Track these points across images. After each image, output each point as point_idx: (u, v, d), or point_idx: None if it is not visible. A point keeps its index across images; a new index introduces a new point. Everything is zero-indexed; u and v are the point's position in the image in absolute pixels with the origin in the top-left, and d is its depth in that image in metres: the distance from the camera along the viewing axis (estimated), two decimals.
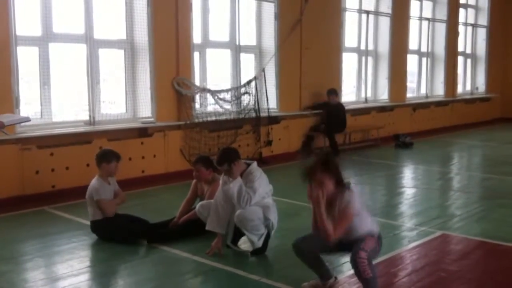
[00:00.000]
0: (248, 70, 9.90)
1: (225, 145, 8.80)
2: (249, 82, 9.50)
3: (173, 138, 8.47)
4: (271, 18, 10.03)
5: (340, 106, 10.74)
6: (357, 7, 12.16)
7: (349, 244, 3.83)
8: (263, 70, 9.82)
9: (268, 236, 4.96)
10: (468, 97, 16.16)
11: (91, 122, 7.70)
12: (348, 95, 12.26)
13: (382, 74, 12.86)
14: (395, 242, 5.35)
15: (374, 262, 3.90)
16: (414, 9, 13.67)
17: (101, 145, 7.40)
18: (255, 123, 9.59)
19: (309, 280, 4.19)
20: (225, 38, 9.53)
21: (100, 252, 5.16)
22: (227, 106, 9.17)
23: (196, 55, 8.99)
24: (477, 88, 16.71)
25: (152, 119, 8.27)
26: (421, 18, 14.07)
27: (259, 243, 4.88)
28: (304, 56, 10.46)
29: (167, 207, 6.45)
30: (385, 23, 12.69)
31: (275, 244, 5.11)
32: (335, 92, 10.62)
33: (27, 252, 5.13)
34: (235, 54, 9.61)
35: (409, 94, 13.88)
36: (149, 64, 8.17)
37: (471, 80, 16.64)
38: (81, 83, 7.71)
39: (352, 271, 4.46)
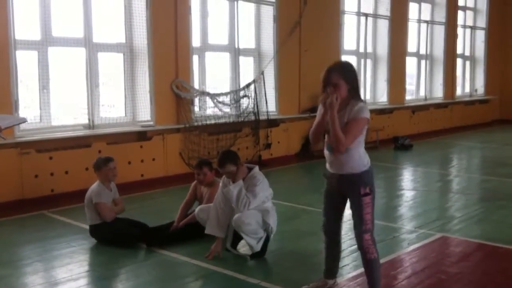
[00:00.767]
0: (247, 73, 9.91)
1: (224, 148, 8.80)
2: (248, 85, 9.51)
3: (172, 142, 8.47)
4: (270, 21, 10.04)
5: None
6: (356, 9, 12.18)
7: (344, 183, 3.76)
8: (262, 73, 9.83)
9: (267, 239, 4.95)
10: (467, 99, 16.19)
11: (90, 125, 7.70)
12: None
13: (381, 76, 12.88)
14: (395, 244, 5.34)
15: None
16: (412, 11, 13.69)
17: (100, 149, 7.40)
18: (254, 126, 9.59)
19: (309, 283, 4.19)
20: (224, 41, 9.54)
21: (99, 256, 5.15)
22: (226, 109, 9.18)
23: (195, 58, 8.99)
24: (476, 90, 16.73)
25: (151, 123, 8.27)
26: (419, 21, 14.10)
27: (258, 247, 4.87)
28: (303, 59, 10.48)
29: (166, 210, 6.44)
30: (383, 26, 12.71)
31: (274, 247, 5.10)
32: None
33: (26, 256, 5.11)
34: (234, 57, 9.61)
35: (408, 97, 13.90)
36: (148, 68, 8.18)
37: (470, 82, 16.66)
38: (80, 86, 7.71)
39: (351, 274, 4.49)
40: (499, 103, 17.02)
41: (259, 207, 4.83)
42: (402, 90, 13.39)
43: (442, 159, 11.23)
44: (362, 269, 4.02)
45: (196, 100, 8.80)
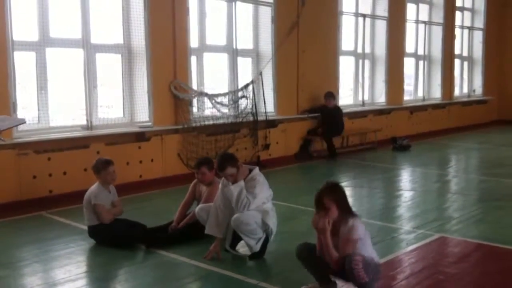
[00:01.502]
0: (245, 73, 9.91)
1: (222, 149, 8.80)
2: (246, 86, 9.51)
3: (171, 142, 8.46)
4: (268, 21, 10.04)
5: (337, 109, 10.76)
6: (353, 10, 12.17)
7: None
8: (260, 74, 9.83)
9: (266, 240, 4.95)
10: (465, 99, 16.20)
11: (89, 126, 7.69)
12: (345, 98, 12.26)
13: (379, 77, 12.88)
14: (393, 245, 5.35)
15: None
16: (410, 12, 13.70)
17: (99, 150, 7.40)
18: (252, 126, 9.59)
19: (307, 284, 4.19)
20: (222, 42, 9.54)
21: (97, 257, 5.14)
22: (225, 110, 9.17)
23: (193, 59, 8.99)
24: (474, 91, 16.74)
25: (149, 123, 8.27)
26: (417, 21, 14.11)
27: (257, 247, 4.87)
28: (301, 59, 10.48)
29: (165, 211, 6.43)
30: (381, 26, 12.71)
31: (273, 248, 5.10)
32: (332, 95, 10.63)
33: (24, 257, 5.11)
34: (232, 58, 9.61)
35: (406, 97, 13.90)
36: (146, 68, 8.17)
37: (468, 82, 16.68)
38: (78, 87, 7.70)
39: None
40: (497, 103, 17.03)
41: (258, 208, 4.83)
42: (400, 90, 13.39)
43: (440, 160, 11.24)
44: None
45: (194, 101, 8.79)
